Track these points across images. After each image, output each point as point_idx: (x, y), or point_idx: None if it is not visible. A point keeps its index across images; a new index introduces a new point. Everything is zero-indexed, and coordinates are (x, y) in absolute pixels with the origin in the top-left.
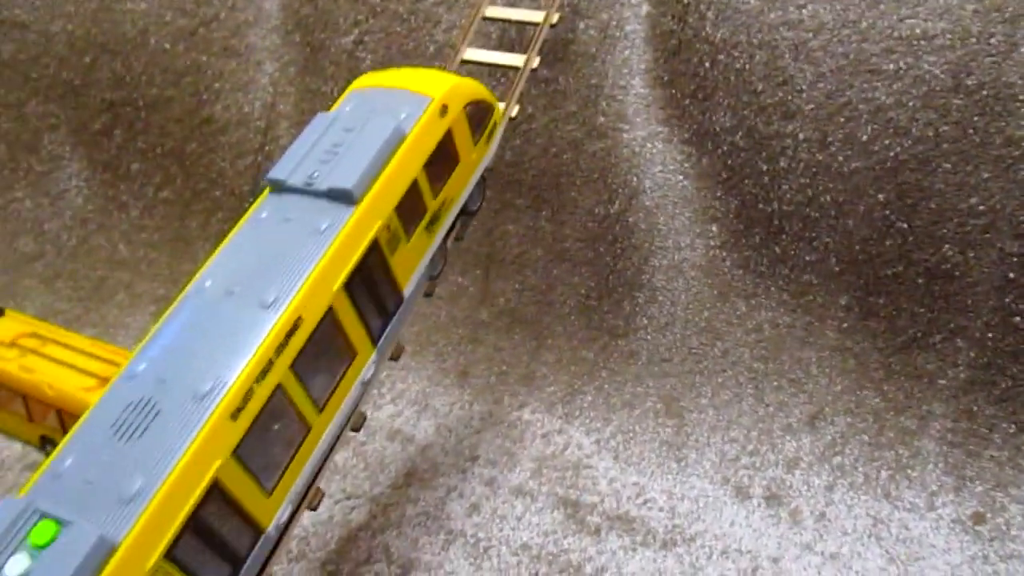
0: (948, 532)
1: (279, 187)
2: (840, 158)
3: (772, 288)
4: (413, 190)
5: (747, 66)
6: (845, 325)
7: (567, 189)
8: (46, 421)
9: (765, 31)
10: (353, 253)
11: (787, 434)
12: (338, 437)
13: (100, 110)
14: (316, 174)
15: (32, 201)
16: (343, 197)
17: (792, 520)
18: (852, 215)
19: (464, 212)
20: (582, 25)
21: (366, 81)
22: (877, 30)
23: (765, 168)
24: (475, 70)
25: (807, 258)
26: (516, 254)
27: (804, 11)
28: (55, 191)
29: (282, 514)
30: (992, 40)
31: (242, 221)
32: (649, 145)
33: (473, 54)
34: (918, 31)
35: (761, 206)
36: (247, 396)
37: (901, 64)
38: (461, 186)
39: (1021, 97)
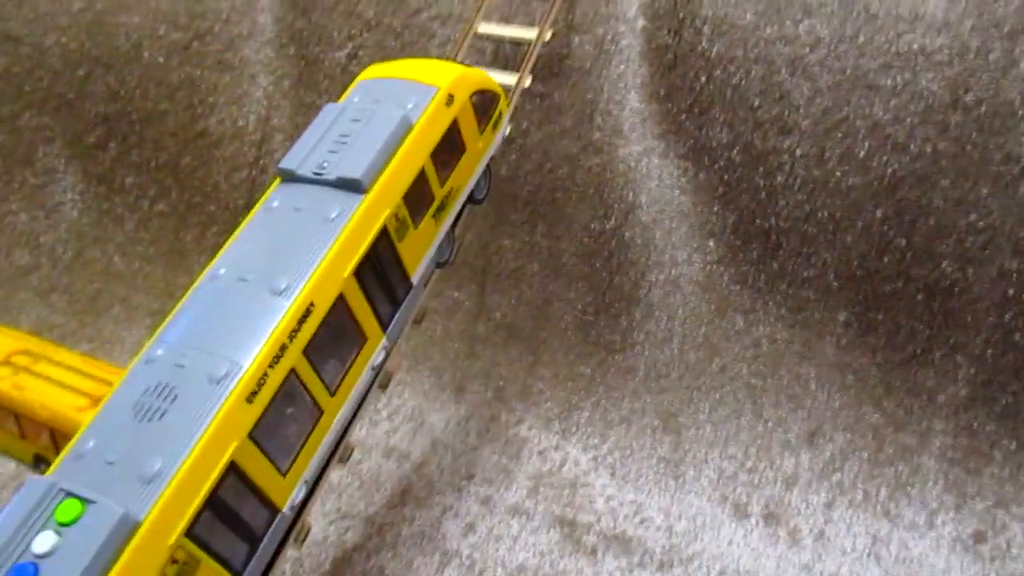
0: (948, 552)
1: (289, 176)
2: (838, 174)
3: (770, 303)
4: (420, 178)
5: (743, 81)
6: (844, 341)
7: (563, 204)
8: (39, 440)
9: (761, 46)
10: (362, 241)
11: (786, 450)
12: (350, 421)
13: (94, 123)
14: (325, 164)
15: (27, 214)
16: (352, 186)
17: (791, 539)
18: (850, 231)
19: (471, 200)
20: (577, 40)
21: (373, 72)
22: (874, 45)
23: (762, 183)
24: None
25: (805, 274)
26: (512, 269)
27: (800, 26)
28: (50, 204)
29: (296, 494)
30: (991, 56)
31: (254, 210)
32: (645, 160)
33: None
34: (916, 47)
35: (759, 221)
36: (261, 380)
37: (899, 80)
38: (468, 174)
39: (1020, 113)
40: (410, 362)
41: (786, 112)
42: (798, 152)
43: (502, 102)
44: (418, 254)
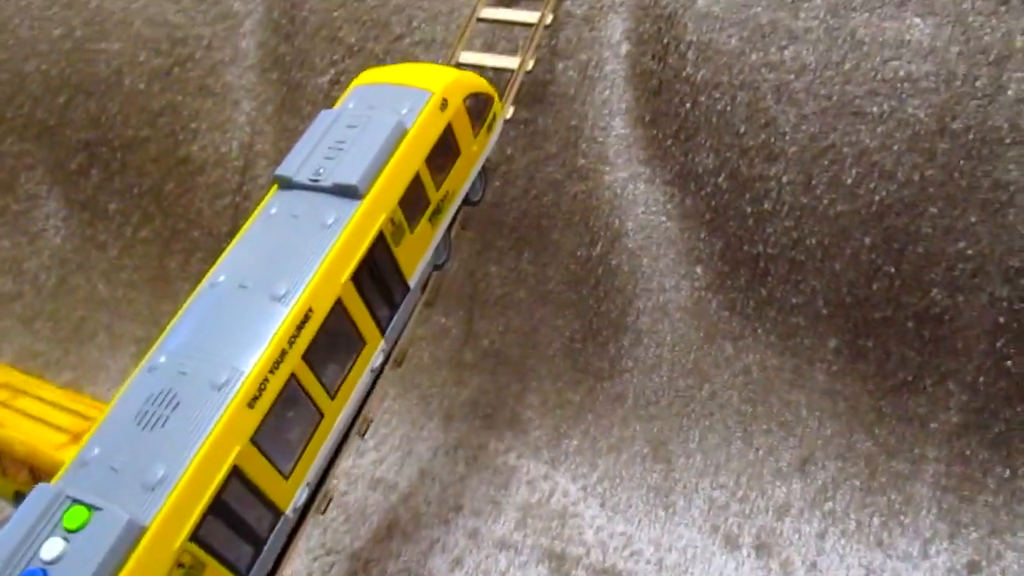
0: None
1: (286, 183)
2: (825, 201)
3: (759, 330)
4: (416, 183)
5: (729, 107)
6: (834, 368)
7: (549, 231)
8: (19, 477)
9: (747, 72)
10: (360, 246)
11: (777, 479)
12: (351, 423)
13: (76, 150)
14: (322, 170)
15: (10, 240)
16: (348, 192)
17: (783, 571)
18: (838, 258)
19: (466, 202)
20: (561, 66)
21: (368, 77)
22: (861, 72)
23: (749, 210)
24: None
25: (794, 300)
26: (499, 295)
27: (786, 52)
28: (33, 230)
29: (299, 497)
30: (978, 83)
31: (252, 218)
32: (631, 186)
33: None
34: (902, 73)
35: (746, 248)
36: (262, 385)
37: (885, 107)
38: (463, 177)
39: (1007, 140)
40: (398, 389)
41: (772, 138)
42: (785, 179)
43: (496, 104)
44: (415, 258)
